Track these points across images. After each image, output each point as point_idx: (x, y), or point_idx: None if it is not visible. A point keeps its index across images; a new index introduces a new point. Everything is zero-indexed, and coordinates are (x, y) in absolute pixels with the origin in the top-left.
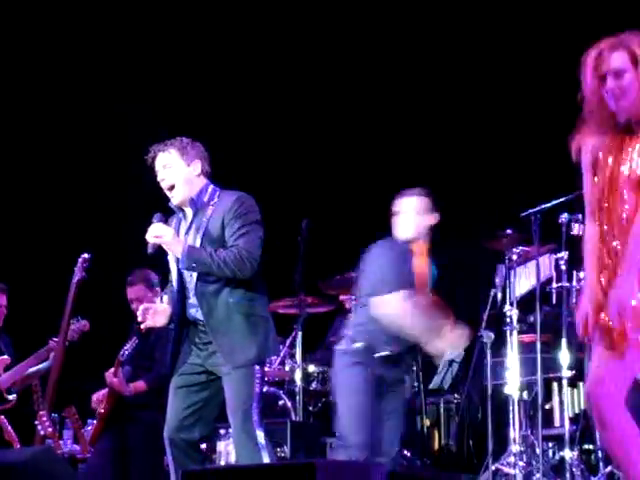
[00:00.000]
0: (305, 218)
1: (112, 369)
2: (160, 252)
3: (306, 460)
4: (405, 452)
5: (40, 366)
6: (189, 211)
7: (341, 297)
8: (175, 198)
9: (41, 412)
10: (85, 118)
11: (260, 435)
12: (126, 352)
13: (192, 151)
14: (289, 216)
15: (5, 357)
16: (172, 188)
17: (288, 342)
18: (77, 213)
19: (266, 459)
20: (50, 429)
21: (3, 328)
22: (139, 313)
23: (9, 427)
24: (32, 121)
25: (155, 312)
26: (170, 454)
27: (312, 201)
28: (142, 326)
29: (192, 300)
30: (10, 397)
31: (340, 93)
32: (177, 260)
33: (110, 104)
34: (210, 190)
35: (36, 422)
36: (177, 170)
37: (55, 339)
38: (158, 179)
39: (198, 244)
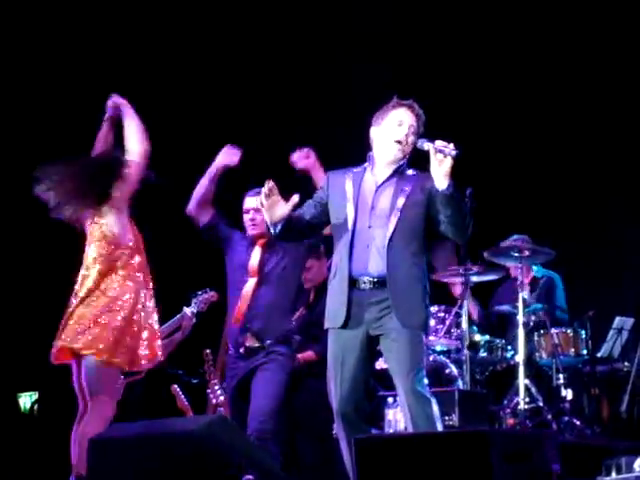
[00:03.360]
0: (469, 187)
1: None
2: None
3: (477, 429)
4: (574, 420)
5: (174, 336)
6: (384, 172)
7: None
8: (399, 153)
9: (213, 381)
10: None
11: (433, 401)
12: (294, 322)
13: (421, 130)
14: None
15: None
16: (399, 143)
17: (453, 311)
18: None
19: (439, 425)
20: (222, 398)
21: None
22: (264, 189)
23: (182, 396)
24: None
25: (275, 203)
26: (341, 428)
27: (475, 170)
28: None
29: (369, 254)
30: None
31: (499, 62)
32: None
33: None
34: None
35: (208, 391)
36: (412, 133)
37: (187, 308)
38: (398, 125)
39: (400, 203)
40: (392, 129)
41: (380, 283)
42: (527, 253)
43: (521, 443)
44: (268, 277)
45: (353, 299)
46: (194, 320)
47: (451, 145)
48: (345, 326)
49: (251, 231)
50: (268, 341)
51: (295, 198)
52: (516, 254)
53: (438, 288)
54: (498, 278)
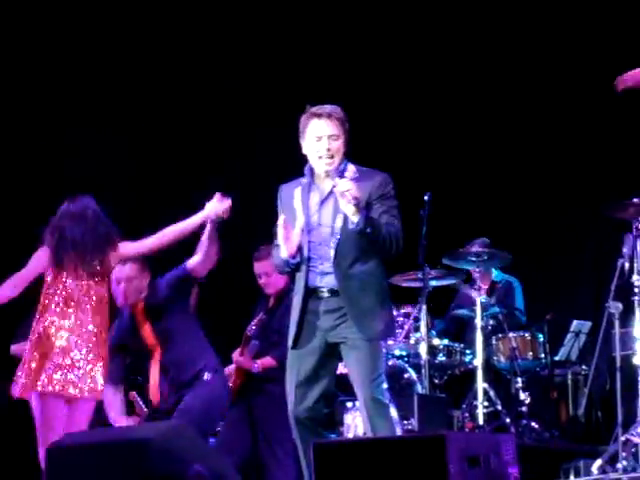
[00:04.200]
0: (427, 191)
1: (238, 349)
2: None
3: (436, 432)
4: (533, 424)
5: None
6: (326, 184)
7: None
8: (330, 167)
9: None
10: None
11: (391, 407)
12: (253, 328)
13: (348, 126)
14: (411, 189)
15: None
16: (331, 157)
17: (412, 315)
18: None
19: (399, 430)
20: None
21: None
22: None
23: (141, 403)
24: None
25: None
26: (297, 432)
27: (434, 174)
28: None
29: (320, 268)
30: None
31: (458, 65)
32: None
33: None
34: (348, 166)
35: None
36: (340, 142)
37: None
38: (317, 140)
39: (341, 216)
40: (312, 145)
41: (335, 293)
42: (485, 257)
43: (479, 447)
44: (165, 339)
45: (310, 309)
46: None
47: (351, 189)
48: (297, 342)
49: (124, 301)
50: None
51: (298, 230)
52: (474, 258)
53: (397, 292)
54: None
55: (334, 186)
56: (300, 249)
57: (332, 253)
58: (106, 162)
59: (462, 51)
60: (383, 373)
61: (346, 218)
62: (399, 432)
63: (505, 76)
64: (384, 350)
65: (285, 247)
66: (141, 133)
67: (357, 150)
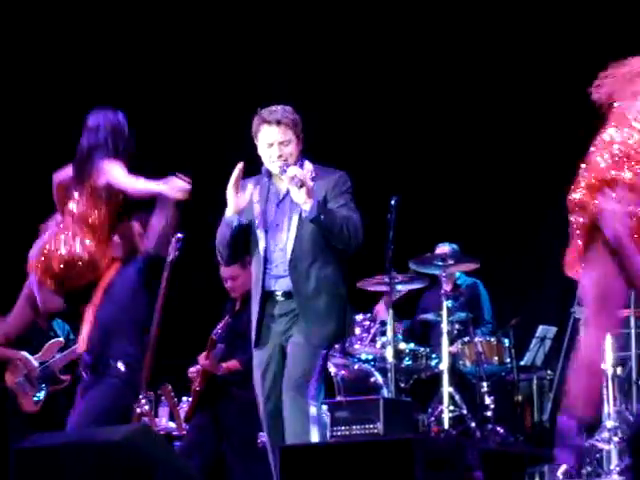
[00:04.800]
0: (394, 195)
1: (204, 353)
2: None
3: (402, 436)
4: (498, 428)
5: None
6: (282, 184)
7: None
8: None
9: None
10: None
11: (313, 410)
12: (219, 331)
13: (301, 126)
14: (379, 193)
15: (59, 339)
16: (276, 162)
17: (379, 319)
18: None
19: (315, 435)
20: (146, 407)
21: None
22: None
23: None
24: None
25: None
26: (267, 432)
27: (401, 178)
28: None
29: (274, 272)
30: (64, 377)
31: (427, 69)
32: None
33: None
34: (305, 164)
35: None
36: (292, 146)
37: None
38: (269, 147)
39: (296, 216)
40: (265, 151)
41: (289, 296)
42: (451, 262)
43: (444, 451)
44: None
45: (267, 312)
46: None
47: (301, 173)
48: (257, 344)
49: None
50: None
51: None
52: (440, 263)
53: (364, 297)
54: (425, 287)
55: (283, 171)
56: (251, 243)
57: (288, 256)
58: None
59: (431, 55)
60: (315, 380)
61: (302, 221)
62: (314, 436)
63: (472, 80)
64: (322, 353)
65: (233, 200)
66: None
67: (324, 153)
